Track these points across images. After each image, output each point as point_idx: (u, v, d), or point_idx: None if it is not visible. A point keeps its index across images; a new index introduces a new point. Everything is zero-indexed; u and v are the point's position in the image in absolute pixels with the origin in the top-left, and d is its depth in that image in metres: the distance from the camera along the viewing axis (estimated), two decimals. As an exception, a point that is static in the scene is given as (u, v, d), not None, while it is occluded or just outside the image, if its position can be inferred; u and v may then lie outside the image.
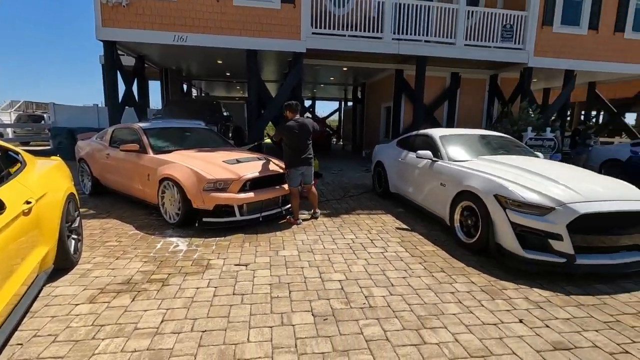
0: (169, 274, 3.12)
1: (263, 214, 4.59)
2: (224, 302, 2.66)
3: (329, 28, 9.03)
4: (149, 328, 2.32)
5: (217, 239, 4.06)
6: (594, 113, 18.23)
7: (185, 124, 6.75)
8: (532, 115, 9.03)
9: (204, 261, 3.43)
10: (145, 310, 2.52)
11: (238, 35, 8.55)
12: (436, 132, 5.21)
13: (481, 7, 10.40)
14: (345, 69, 11.81)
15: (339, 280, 3.07)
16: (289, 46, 8.83)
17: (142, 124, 5.73)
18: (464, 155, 4.60)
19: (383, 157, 6.46)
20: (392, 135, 10.39)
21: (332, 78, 14.72)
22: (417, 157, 4.88)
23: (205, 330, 2.31)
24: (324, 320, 2.45)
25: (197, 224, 4.30)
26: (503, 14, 9.88)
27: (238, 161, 4.74)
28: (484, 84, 11.89)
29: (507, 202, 3.39)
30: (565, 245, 3.13)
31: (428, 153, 4.76)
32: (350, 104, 19.93)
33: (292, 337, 2.26)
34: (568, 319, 2.56)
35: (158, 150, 5.05)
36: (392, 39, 9.27)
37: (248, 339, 2.22)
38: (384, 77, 12.46)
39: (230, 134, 11.20)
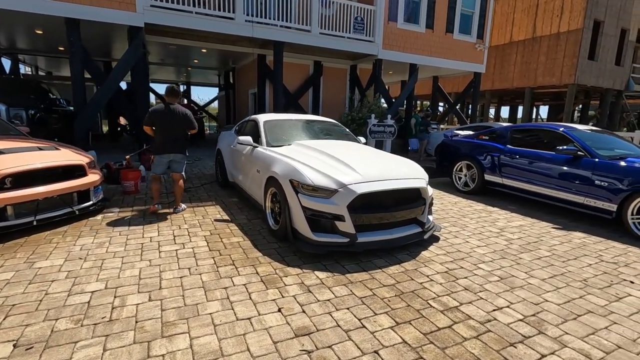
0: None
1: (40, 216, 3.71)
2: None
3: (172, 2, 8.09)
4: None
5: (-47, 255, 3.09)
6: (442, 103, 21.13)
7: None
8: (382, 104, 9.78)
9: None
10: None
11: (50, -1, 6.98)
12: (261, 118, 5.01)
13: (337, -3, 10.74)
14: (204, 50, 10.94)
15: (92, 292, 2.56)
16: (122, 18, 7.61)
17: None
18: (281, 141, 4.50)
19: (222, 144, 6.06)
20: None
21: (195, 60, 13.58)
22: (238, 143, 4.60)
23: None
24: (27, 350, 1.93)
25: None
26: (356, 7, 10.36)
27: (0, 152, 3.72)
28: (345, 73, 12.46)
29: (299, 186, 3.34)
30: (347, 226, 3.22)
31: (248, 139, 4.52)
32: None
33: (-47, 385, 1.68)
34: (329, 299, 2.57)
35: None
36: (246, 20, 8.84)
37: None
38: (250, 62, 12.00)
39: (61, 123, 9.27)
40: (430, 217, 3.92)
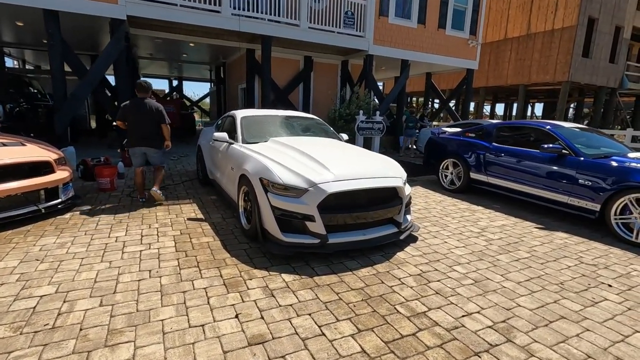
0: None
1: (1, 215, 3.56)
2: None
3: (156, -6, 7.89)
4: None
5: None
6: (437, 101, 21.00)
7: None
8: (373, 100, 9.62)
9: None
10: None
11: (26, -10, 6.76)
12: (239, 113, 4.87)
13: (327, -9, 10.55)
14: (192, 44, 10.74)
15: (41, 296, 2.42)
16: (103, 10, 7.40)
17: None
18: (258, 137, 4.36)
19: (202, 140, 5.93)
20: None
21: (185, 55, 13.36)
22: (214, 139, 4.45)
23: None
24: (-46, 361, 1.80)
25: None
26: (346, 1, 10.17)
27: (-45, 148, 3.57)
28: (336, 69, 12.29)
29: (269, 184, 3.21)
30: (318, 226, 3.10)
31: (223, 135, 4.38)
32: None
33: None
34: (291, 304, 2.45)
35: None
36: (232, 14, 8.64)
37: None
38: (239, 57, 11.81)
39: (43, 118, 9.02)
40: (409, 217, 3.81)
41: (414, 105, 29.11)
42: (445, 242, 3.80)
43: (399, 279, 2.90)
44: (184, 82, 23.62)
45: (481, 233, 4.14)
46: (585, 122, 21.02)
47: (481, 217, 4.80)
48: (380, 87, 24.25)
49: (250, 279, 2.79)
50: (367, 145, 8.59)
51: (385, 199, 3.48)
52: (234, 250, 3.33)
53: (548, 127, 5.16)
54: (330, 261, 3.16)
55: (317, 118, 5.38)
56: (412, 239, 3.82)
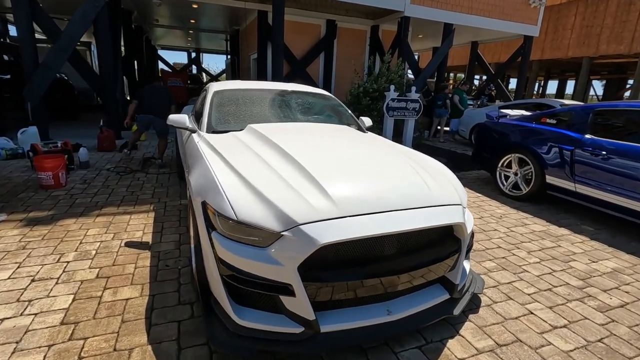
0: None
1: None
2: None
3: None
4: None
5: None
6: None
7: None
8: (403, 71, 7.77)
9: None
10: None
11: None
12: (213, 87, 3.37)
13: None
14: (195, 5, 9.21)
15: None
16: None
17: None
18: (230, 123, 2.87)
19: (179, 122, 4.50)
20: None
21: (192, 21, 11.86)
22: (169, 124, 2.99)
23: None
24: None
25: None
26: (378, -51, 8.20)
27: None
28: (365, 36, 10.40)
29: (215, 217, 1.74)
30: (299, 304, 1.61)
31: (181, 119, 2.91)
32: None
33: None
34: None
35: None
36: (236, -37, 7.00)
37: None
38: (252, 22, 10.17)
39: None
40: (467, 265, 2.24)
41: (452, 81, 26.35)
42: (529, 311, 2.21)
43: None
44: (203, 55, 22.37)
45: (585, 290, 2.50)
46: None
47: (572, 250, 3.13)
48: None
49: None
50: (398, 129, 6.88)
51: (431, 244, 1.92)
52: (161, 324, 1.92)
53: (683, 112, 3.31)
54: (323, 365, 1.70)
55: (329, 94, 3.77)
56: (473, 304, 2.26)
